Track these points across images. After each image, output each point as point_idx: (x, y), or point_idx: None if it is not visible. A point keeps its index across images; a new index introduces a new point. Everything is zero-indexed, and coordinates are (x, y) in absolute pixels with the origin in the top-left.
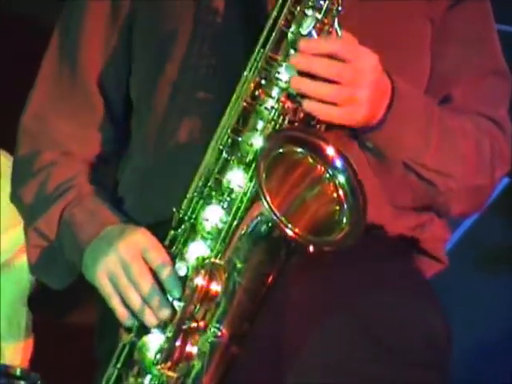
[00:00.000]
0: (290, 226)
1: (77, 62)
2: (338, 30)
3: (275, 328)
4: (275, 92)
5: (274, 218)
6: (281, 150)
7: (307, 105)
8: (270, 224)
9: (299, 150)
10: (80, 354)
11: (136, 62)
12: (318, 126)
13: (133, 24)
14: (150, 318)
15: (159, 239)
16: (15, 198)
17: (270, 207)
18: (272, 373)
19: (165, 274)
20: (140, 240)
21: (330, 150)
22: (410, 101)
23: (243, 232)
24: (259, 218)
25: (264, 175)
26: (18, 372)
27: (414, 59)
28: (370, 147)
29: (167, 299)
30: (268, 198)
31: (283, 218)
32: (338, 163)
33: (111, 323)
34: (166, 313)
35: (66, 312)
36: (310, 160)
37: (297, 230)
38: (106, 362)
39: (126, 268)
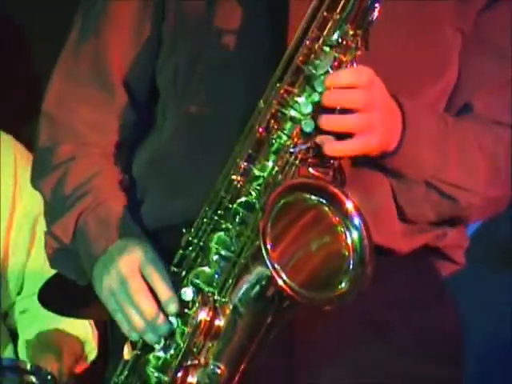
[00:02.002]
0: (285, 278)
1: (99, 47)
2: (354, 65)
3: (286, 335)
4: (288, 126)
5: (270, 269)
6: (293, 197)
7: (328, 149)
8: (268, 277)
9: (314, 197)
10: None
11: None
12: (331, 161)
13: (164, 17)
14: (148, 335)
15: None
16: (35, 185)
17: (268, 259)
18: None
19: (160, 288)
20: (139, 255)
21: (349, 205)
22: (421, 120)
23: (248, 277)
24: (261, 267)
25: (270, 222)
26: (29, 367)
27: (441, 77)
28: (389, 168)
29: (165, 315)
30: (269, 248)
31: (280, 269)
32: (356, 220)
33: None
34: (163, 329)
35: (79, 307)
36: (326, 210)
37: (292, 284)
38: (116, 356)
39: (123, 284)
